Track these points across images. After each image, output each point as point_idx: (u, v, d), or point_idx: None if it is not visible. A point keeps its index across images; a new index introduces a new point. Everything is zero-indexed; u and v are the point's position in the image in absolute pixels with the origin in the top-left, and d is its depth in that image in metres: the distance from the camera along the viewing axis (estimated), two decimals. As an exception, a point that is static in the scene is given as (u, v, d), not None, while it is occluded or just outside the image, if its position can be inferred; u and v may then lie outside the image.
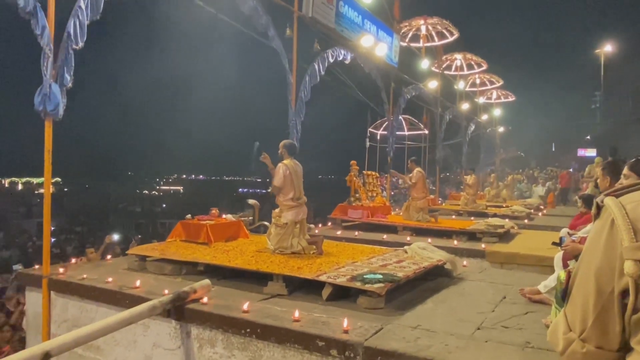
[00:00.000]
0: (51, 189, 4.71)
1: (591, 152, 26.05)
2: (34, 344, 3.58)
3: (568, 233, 4.28)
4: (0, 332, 5.92)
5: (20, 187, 55.99)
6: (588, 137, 30.51)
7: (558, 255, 4.02)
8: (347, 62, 9.45)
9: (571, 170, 20.60)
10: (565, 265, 3.70)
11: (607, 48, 27.39)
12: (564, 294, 1.09)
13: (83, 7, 4.43)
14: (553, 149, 33.04)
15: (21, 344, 5.35)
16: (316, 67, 8.31)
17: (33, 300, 4.78)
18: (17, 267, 9.13)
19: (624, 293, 0.92)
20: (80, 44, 4.47)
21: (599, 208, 1.02)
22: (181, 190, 61.80)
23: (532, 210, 12.00)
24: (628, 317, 0.92)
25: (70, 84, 4.44)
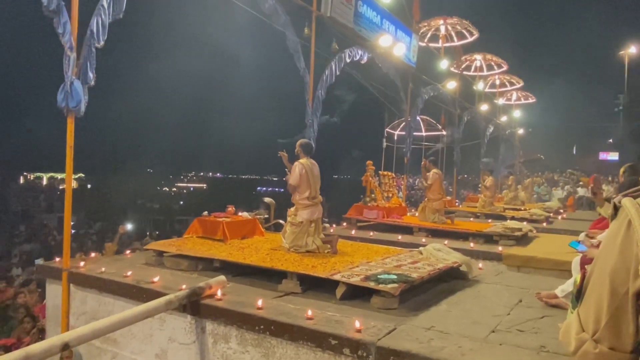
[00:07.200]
0: (74, 184, 4.80)
1: (613, 156, 25.54)
2: (54, 335, 3.67)
3: (587, 236, 4.21)
4: (20, 323, 6.08)
5: (45, 182, 57.10)
6: (610, 141, 29.92)
7: (576, 260, 3.97)
8: (363, 62, 9.43)
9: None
10: (583, 270, 3.64)
11: (631, 50, 26.76)
12: (578, 295, 1.08)
13: (105, 5, 4.52)
14: (574, 152, 32.49)
15: (41, 335, 5.48)
16: (333, 66, 8.32)
17: (53, 292, 4.89)
18: (39, 261, 9.38)
19: (639, 294, 0.91)
20: (102, 42, 4.56)
21: (616, 209, 1.01)
22: (205, 187, 62.01)
23: (551, 214, 11.81)
24: None
25: (92, 82, 4.52)
